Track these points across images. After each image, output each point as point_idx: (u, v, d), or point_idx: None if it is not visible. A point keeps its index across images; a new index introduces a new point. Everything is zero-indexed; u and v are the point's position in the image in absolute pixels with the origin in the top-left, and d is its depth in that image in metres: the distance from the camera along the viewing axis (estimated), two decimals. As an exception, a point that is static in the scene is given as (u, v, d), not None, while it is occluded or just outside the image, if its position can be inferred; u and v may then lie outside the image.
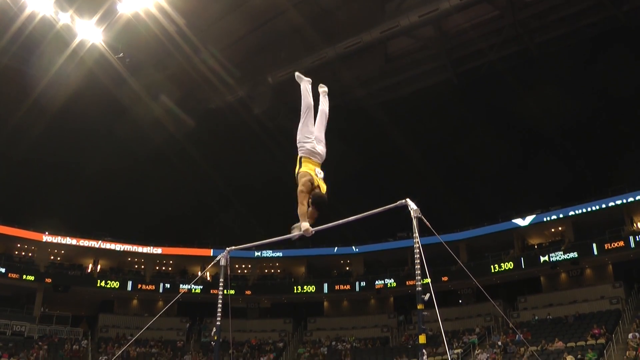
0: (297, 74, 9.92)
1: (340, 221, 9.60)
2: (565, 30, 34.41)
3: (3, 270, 39.92)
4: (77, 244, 43.25)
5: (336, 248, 45.66)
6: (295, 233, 8.85)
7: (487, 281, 38.50)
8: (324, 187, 8.91)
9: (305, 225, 8.53)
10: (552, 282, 40.86)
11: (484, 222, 42.16)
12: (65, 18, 28.71)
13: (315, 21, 33.25)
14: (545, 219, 40.03)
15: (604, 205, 37.64)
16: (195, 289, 42.73)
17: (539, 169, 46.54)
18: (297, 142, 9.26)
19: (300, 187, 8.67)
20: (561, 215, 39.39)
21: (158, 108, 37.76)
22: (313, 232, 8.65)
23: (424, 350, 7.76)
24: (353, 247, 45.61)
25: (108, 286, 42.63)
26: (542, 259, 38.48)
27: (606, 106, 41.65)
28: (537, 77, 40.83)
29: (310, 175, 8.82)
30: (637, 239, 35.16)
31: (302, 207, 8.57)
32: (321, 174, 9.01)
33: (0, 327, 38.27)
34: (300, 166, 9.04)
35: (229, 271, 11.23)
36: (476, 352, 34.47)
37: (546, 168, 46.01)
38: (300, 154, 9.18)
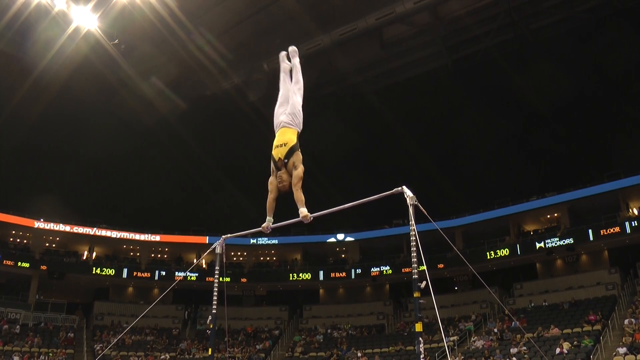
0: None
1: (337, 208, 9.54)
2: (560, 16, 34.39)
3: (-2, 257, 39.97)
4: (72, 230, 43.07)
5: (342, 235, 45.69)
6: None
7: (483, 268, 38.54)
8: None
9: (305, 212, 8.54)
10: (548, 268, 40.90)
11: (480, 208, 42.11)
12: (60, 4, 28.58)
13: (311, 8, 33.17)
14: (541, 205, 40.02)
15: (600, 191, 37.61)
16: (190, 277, 42.69)
17: (534, 155, 46.57)
18: (297, 116, 9.21)
19: (301, 174, 8.63)
20: (557, 201, 39.36)
21: (153, 94, 37.62)
22: (311, 218, 8.63)
23: (420, 338, 7.72)
24: (339, 236, 45.70)
25: (103, 273, 42.54)
26: (537, 245, 38.48)
27: (601, 92, 41.65)
28: (531, 65, 40.80)
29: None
30: (633, 225, 35.19)
31: (302, 194, 8.52)
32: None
33: (-5, 314, 38.38)
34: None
35: (224, 259, 11.18)
36: (472, 339, 34.53)
37: (542, 154, 46.05)
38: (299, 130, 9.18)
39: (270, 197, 8.91)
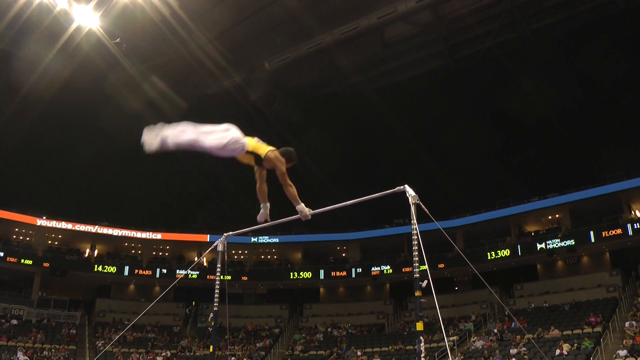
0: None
1: (337, 205, 9.51)
2: (562, 16, 34.30)
3: (1, 254, 40.15)
4: (74, 228, 43.25)
5: (343, 235, 45.72)
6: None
7: (484, 268, 38.39)
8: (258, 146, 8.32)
9: (302, 208, 8.27)
10: (549, 269, 40.85)
11: (481, 209, 42.07)
12: (62, 3, 28.55)
13: (311, 7, 33.08)
14: (542, 206, 39.99)
15: (601, 192, 37.53)
16: (191, 275, 42.73)
17: (536, 155, 46.55)
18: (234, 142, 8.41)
19: (281, 168, 8.03)
20: (558, 202, 39.30)
21: (153, 93, 37.59)
22: (310, 215, 8.53)
23: (421, 338, 7.73)
24: (340, 235, 45.75)
25: (105, 271, 42.71)
26: (538, 246, 38.42)
27: (601, 96, 41.67)
28: (533, 65, 40.79)
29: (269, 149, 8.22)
30: (635, 227, 35.10)
31: (293, 189, 8.08)
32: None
33: (-1, 310, 38.55)
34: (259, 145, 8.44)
35: (226, 257, 11.19)
36: (472, 339, 34.54)
37: (544, 155, 46.02)
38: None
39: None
